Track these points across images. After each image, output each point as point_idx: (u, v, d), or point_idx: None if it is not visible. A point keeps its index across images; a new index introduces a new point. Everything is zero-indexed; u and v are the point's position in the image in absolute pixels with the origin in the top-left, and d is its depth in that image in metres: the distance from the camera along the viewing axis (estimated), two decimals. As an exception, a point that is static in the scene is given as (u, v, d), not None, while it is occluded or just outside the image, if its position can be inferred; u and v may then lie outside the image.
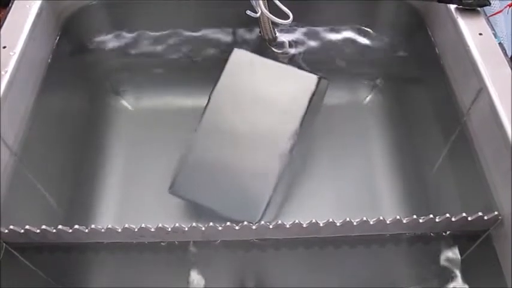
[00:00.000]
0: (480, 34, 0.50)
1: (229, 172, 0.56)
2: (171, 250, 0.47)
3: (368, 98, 0.71)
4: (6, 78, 0.47)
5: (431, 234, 0.46)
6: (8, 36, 0.50)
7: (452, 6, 0.53)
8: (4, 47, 0.50)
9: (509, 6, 0.65)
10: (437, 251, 0.49)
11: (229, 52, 0.58)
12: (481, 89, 0.47)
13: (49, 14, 0.56)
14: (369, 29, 0.66)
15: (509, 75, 0.47)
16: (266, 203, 0.55)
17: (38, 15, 0.53)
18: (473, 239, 0.47)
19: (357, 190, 0.62)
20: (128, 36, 0.66)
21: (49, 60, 0.56)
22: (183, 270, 0.51)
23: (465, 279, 0.49)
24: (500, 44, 0.49)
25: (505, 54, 0.48)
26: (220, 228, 0.43)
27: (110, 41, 0.65)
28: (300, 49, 0.66)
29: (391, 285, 0.56)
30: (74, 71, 0.63)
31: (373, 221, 0.43)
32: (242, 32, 0.66)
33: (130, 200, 0.62)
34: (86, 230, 0.43)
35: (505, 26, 0.67)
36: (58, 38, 0.58)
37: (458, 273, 0.50)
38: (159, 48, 0.67)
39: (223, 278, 0.55)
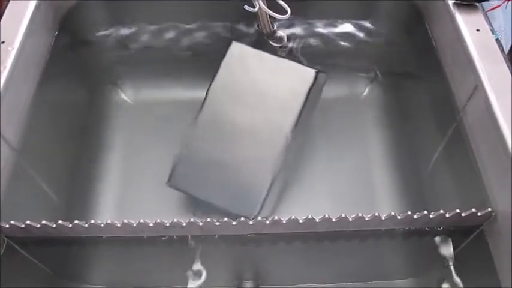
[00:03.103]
0: (478, 30, 0.50)
1: (227, 165, 0.57)
2: (170, 244, 0.47)
3: (366, 92, 0.71)
4: (5, 74, 0.47)
5: (426, 229, 0.47)
6: (6, 31, 0.50)
7: (451, 2, 0.53)
8: (3, 42, 0.50)
9: (508, 1, 0.64)
10: (432, 246, 0.50)
11: (228, 45, 0.59)
12: (477, 85, 0.47)
13: (47, 9, 0.56)
14: (367, 23, 0.66)
15: (506, 72, 0.47)
16: (264, 198, 0.55)
17: (36, 9, 0.53)
18: (467, 235, 0.47)
19: (354, 184, 0.63)
20: (126, 29, 0.66)
21: (48, 55, 0.56)
22: (182, 263, 0.52)
23: (458, 273, 0.50)
24: (497, 40, 0.49)
25: (502, 50, 0.48)
26: (217, 223, 0.44)
27: (108, 34, 0.65)
28: (298, 43, 0.66)
29: (386, 278, 0.57)
30: (73, 65, 0.64)
31: (368, 217, 0.43)
32: (240, 25, 0.66)
33: (129, 192, 0.63)
34: (86, 225, 0.44)
35: (503, 20, 0.66)
36: (57, 32, 0.58)
37: (451, 267, 0.50)
38: (157, 41, 0.67)
39: (222, 271, 0.56)
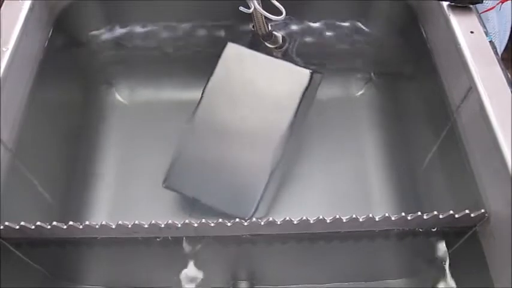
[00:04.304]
0: (471, 32, 0.50)
1: (222, 166, 0.57)
2: (165, 245, 0.47)
3: (361, 93, 0.71)
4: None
5: (420, 230, 0.47)
6: (1, 31, 0.50)
7: (445, 3, 0.53)
8: (-3, 43, 0.50)
9: (501, 3, 0.65)
10: (425, 246, 0.50)
11: (223, 46, 0.59)
12: (470, 87, 0.47)
13: (42, 9, 0.56)
14: (362, 24, 0.66)
15: (499, 74, 0.47)
16: (259, 199, 0.56)
17: (31, 10, 0.53)
18: (460, 235, 0.48)
19: (349, 184, 0.63)
20: (121, 29, 0.65)
21: (42, 55, 0.56)
22: (177, 264, 0.52)
23: (452, 273, 0.50)
24: (491, 42, 0.49)
25: (496, 53, 0.48)
26: (212, 224, 0.44)
27: (103, 34, 0.65)
28: (294, 44, 0.66)
29: (380, 278, 0.57)
30: (68, 66, 0.63)
31: (363, 218, 0.43)
32: (236, 26, 0.66)
33: (124, 193, 0.63)
34: (81, 226, 0.44)
35: (497, 22, 0.67)
36: (51, 32, 0.58)
37: (445, 267, 0.51)
38: (152, 41, 0.67)
39: (217, 271, 0.56)
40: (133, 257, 0.51)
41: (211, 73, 0.58)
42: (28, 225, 0.43)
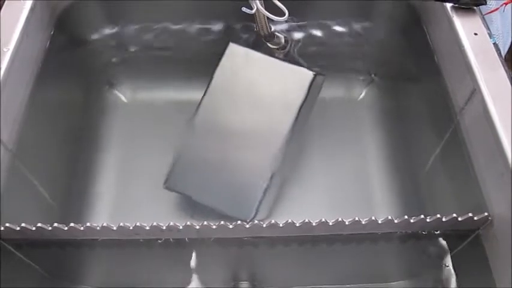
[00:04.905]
0: (475, 34, 0.50)
1: (224, 168, 0.56)
2: (166, 247, 0.47)
3: (363, 94, 0.71)
4: (0, 75, 0.47)
5: (423, 232, 0.47)
6: (1, 32, 0.50)
7: (449, 5, 0.53)
8: (-2, 43, 0.49)
9: (505, 4, 0.64)
10: (428, 249, 0.50)
11: (225, 46, 0.58)
12: (474, 89, 0.47)
13: (43, 9, 0.56)
14: (365, 25, 0.65)
15: (503, 76, 0.47)
16: (259, 201, 0.55)
17: (32, 10, 0.53)
18: (463, 238, 0.47)
19: (351, 186, 0.63)
20: (123, 29, 0.65)
21: (43, 56, 0.56)
22: (179, 265, 0.52)
23: (454, 276, 0.50)
24: (495, 44, 0.49)
25: (500, 54, 0.48)
26: (214, 226, 0.44)
27: (104, 34, 0.65)
28: (296, 44, 0.65)
29: (383, 280, 0.57)
30: (69, 66, 0.63)
31: (365, 221, 0.43)
32: (238, 26, 0.66)
33: (125, 194, 0.63)
34: (82, 228, 0.43)
35: (501, 24, 0.67)
36: (52, 32, 0.58)
37: (447, 270, 0.50)
38: (154, 41, 0.67)
39: (218, 272, 0.56)
40: (134, 258, 0.51)
41: (212, 73, 0.58)
42: (29, 227, 0.43)
